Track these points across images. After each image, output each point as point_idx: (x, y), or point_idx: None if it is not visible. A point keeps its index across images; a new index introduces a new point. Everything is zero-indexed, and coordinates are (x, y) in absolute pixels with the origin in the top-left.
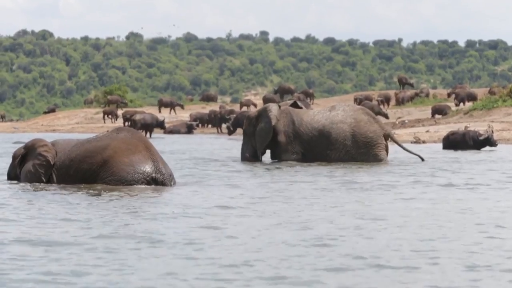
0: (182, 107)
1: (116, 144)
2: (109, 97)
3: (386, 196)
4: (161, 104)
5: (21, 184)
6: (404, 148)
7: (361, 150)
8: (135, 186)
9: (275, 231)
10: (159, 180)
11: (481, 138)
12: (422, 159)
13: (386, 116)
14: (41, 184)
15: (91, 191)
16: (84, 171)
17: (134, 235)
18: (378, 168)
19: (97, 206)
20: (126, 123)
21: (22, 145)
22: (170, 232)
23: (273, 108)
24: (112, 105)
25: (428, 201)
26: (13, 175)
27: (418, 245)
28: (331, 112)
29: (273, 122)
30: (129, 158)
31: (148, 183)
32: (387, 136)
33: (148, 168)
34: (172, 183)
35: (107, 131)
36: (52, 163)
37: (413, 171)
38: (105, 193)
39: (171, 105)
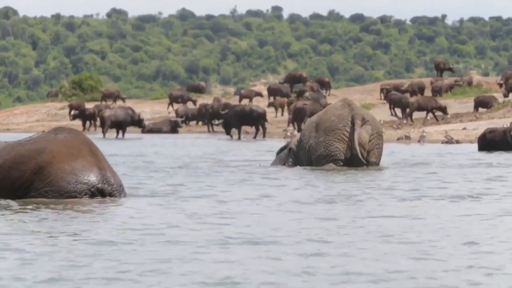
0: (194, 103)
1: (55, 148)
2: (103, 90)
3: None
4: (172, 99)
5: None
6: (354, 146)
7: (320, 139)
8: (77, 198)
9: None
10: (107, 191)
11: None
12: (367, 165)
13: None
14: None
15: (19, 205)
16: (14, 180)
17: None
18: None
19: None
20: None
21: None
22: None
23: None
24: (109, 100)
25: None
26: None
27: None
28: None
29: (292, 146)
30: (70, 164)
31: (93, 194)
32: (352, 119)
33: (93, 177)
34: (122, 194)
35: (43, 131)
36: None
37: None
38: (38, 208)
39: (182, 100)
